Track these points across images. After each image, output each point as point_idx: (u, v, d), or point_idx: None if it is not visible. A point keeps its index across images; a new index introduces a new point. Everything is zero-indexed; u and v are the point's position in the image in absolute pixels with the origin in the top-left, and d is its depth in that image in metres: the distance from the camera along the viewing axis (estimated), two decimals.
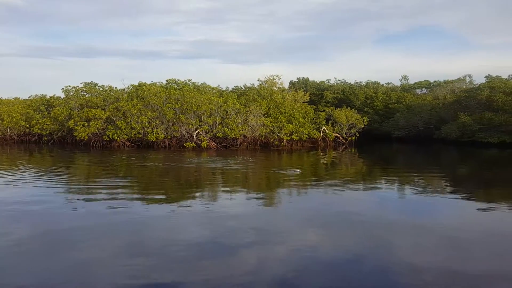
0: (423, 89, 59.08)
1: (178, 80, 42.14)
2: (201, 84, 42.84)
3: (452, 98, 44.47)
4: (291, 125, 34.54)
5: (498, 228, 9.30)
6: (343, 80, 58.22)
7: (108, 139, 33.04)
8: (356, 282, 6.13)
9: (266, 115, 35.08)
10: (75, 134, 33.76)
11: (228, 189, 14.50)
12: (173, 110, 33.02)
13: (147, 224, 9.41)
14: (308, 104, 41.74)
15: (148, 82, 40.18)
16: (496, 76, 45.11)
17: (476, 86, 44.10)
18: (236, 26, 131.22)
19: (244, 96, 39.29)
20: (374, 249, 7.68)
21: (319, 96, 52.81)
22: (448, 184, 15.70)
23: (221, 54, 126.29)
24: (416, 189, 14.69)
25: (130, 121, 32.86)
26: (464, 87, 48.70)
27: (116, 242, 8.02)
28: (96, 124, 33.20)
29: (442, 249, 7.68)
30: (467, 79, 52.04)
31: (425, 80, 60.26)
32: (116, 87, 40.96)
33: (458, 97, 42.31)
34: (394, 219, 10.19)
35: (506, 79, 43.72)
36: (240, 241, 8.05)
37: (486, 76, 45.75)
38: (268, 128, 33.93)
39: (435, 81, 58.13)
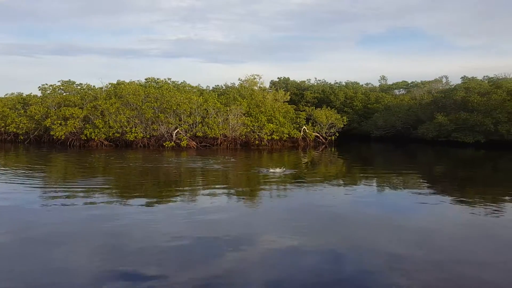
0: (401, 89, 60.04)
1: (158, 79, 41.75)
2: (181, 83, 42.57)
3: (429, 98, 45.33)
4: (271, 125, 34.63)
5: (474, 225, 9.59)
6: (323, 80, 58.71)
7: (85, 138, 32.50)
8: (337, 278, 6.20)
9: (246, 115, 35.08)
10: (52, 133, 33.09)
11: (208, 188, 14.45)
12: (152, 109, 32.71)
13: (126, 224, 9.30)
14: (288, 104, 41.91)
15: (128, 81, 39.67)
16: (472, 77, 46.21)
17: (452, 87, 45.03)
18: (217, 25, 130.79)
19: (224, 95, 39.21)
20: (353, 247, 7.80)
21: (299, 95, 53.10)
22: (425, 183, 16.02)
23: (202, 53, 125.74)
24: (394, 188, 14.94)
25: (108, 120, 32.40)
26: (440, 88, 49.69)
27: (94, 243, 7.90)
28: (74, 123, 32.61)
29: (419, 246, 7.85)
30: (444, 80, 53.16)
31: (403, 81, 61.28)
32: (94, 86, 40.38)
33: (435, 98, 43.15)
34: (373, 217, 10.36)
35: (481, 80, 44.80)
36: (221, 241, 8.03)
37: (462, 77, 46.86)
38: (248, 127, 33.94)
39: (412, 82, 59.17)
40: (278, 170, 17.46)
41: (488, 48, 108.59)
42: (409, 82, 60.20)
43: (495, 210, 11.30)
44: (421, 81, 56.69)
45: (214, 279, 6.18)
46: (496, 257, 7.36)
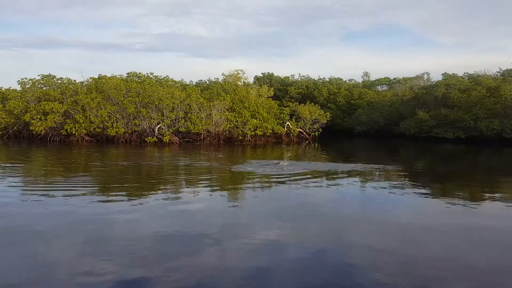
0: (384, 85, 60.69)
1: (140, 73, 41.23)
2: (164, 77, 42.11)
3: (411, 94, 45.94)
4: (255, 120, 34.61)
5: (455, 219, 9.71)
6: (307, 76, 58.93)
7: (66, 133, 31.96)
8: (320, 275, 6.19)
9: (230, 110, 34.97)
10: (31, 128, 32.42)
11: (191, 184, 14.36)
12: (134, 103, 32.32)
13: (108, 220, 9.14)
14: (272, 99, 41.97)
15: (110, 75, 39.09)
16: (452, 74, 46.92)
17: (433, 83, 45.67)
18: (202, 20, 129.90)
19: (208, 90, 39.01)
20: (336, 243, 7.83)
21: (283, 91, 53.19)
22: (406, 178, 16.20)
23: (186, 47, 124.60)
24: (376, 183, 15.05)
25: (89, 115, 31.91)
26: (422, 84, 50.36)
27: (75, 240, 7.72)
28: (54, 118, 32.01)
29: (400, 241, 7.93)
30: (425, 77, 53.90)
31: (385, 77, 61.95)
32: (74, 80, 39.68)
33: (416, 94, 43.74)
34: (355, 212, 10.42)
35: (461, 77, 45.52)
36: (205, 237, 7.95)
37: (442, 74, 47.53)
38: (232, 123, 33.84)
39: (394, 78, 59.85)
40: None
41: (469, 45, 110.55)
42: (392, 78, 60.91)
43: (474, 205, 11.50)
44: (403, 77, 57.41)
45: (198, 274, 6.13)
46: (476, 250, 7.48)
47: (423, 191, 13.81)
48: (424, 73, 54.28)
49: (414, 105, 41.49)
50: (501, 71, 46.60)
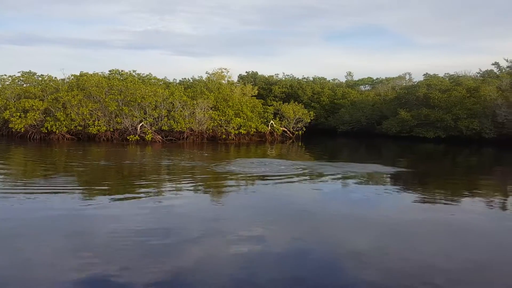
0: (367, 85, 61.31)
1: (122, 71, 40.71)
2: (146, 75, 41.67)
3: (393, 94, 46.50)
4: (239, 119, 34.54)
5: (434, 217, 9.88)
6: (291, 75, 59.10)
7: (46, 131, 31.34)
8: (303, 273, 6.22)
9: (213, 109, 34.82)
10: (10, 125, 31.67)
11: (173, 183, 14.25)
12: (116, 101, 31.90)
13: (89, 220, 8.98)
14: (256, 98, 41.92)
15: (92, 72, 38.50)
16: (433, 74, 47.64)
17: (415, 83, 46.33)
18: (186, 18, 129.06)
19: (191, 88, 38.75)
20: (320, 241, 7.86)
21: (267, 90, 53.22)
22: (388, 177, 16.37)
23: (170, 45, 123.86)
24: (359, 182, 15.18)
25: (70, 112, 31.37)
26: (404, 84, 51.04)
27: (56, 240, 7.57)
28: (34, 115, 31.35)
29: (383, 239, 8.01)
30: (407, 77, 54.65)
31: (368, 77, 62.56)
32: (55, 77, 38.93)
33: (398, 94, 44.30)
34: (338, 210, 10.51)
35: (442, 77, 46.27)
36: (187, 236, 7.89)
37: (424, 74, 48.19)
38: (215, 121, 33.70)
39: (377, 78, 60.48)
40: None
41: (450, 46, 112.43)
42: (374, 78, 61.53)
43: (454, 202, 11.72)
44: (385, 77, 58.06)
45: (180, 273, 6.09)
46: (456, 247, 7.60)
47: (405, 190, 13.99)
48: (406, 73, 55.08)
49: (396, 105, 42.01)
50: (481, 72, 47.56)
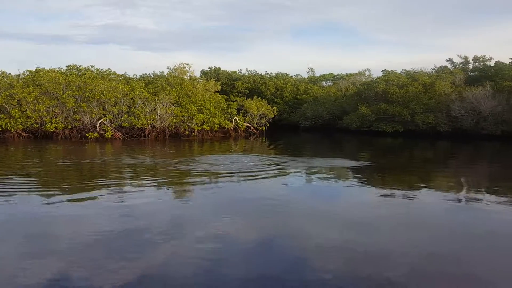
0: (328, 81, 62.38)
1: (80, 66, 39.36)
2: (106, 70, 40.48)
3: (353, 90, 47.57)
4: (202, 115, 34.28)
5: (394, 210, 10.22)
6: (254, 71, 59.11)
7: (0, 129, 29.89)
8: (270, 267, 6.27)
9: (176, 105, 34.38)
10: None
11: (136, 181, 13.93)
12: (74, 98, 30.86)
13: (49, 220, 8.66)
14: (220, 94, 41.73)
15: (49, 68, 36.96)
16: (392, 70, 49.12)
17: (374, 79, 47.57)
18: (149, 12, 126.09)
19: (152, 84, 38.04)
20: (286, 235, 7.94)
21: (231, 86, 53.06)
22: (350, 171, 16.75)
23: (131, 40, 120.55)
24: (323, 176, 15.45)
25: (26, 109, 30.09)
26: (364, 80, 52.29)
27: (16, 241, 7.30)
28: None
29: (347, 231, 8.22)
30: (367, 73, 56.04)
31: (329, 73, 63.67)
32: (10, 73, 37.10)
33: (358, 90, 45.37)
34: (302, 204, 10.67)
35: (399, 73, 47.75)
36: (152, 235, 7.75)
37: (382, 70, 49.60)
38: (178, 117, 33.29)
39: (338, 74, 61.68)
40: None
41: (407, 43, 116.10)
42: (336, 74, 62.70)
43: (412, 195, 12.15)
44: (346, 73, 59.30)
45: (145, 274, 5.98)
46: (412, 239, 7.90)
47: (366, 183, 14.39)
48: (366, 70, 56.46)
49: (356, 100, 43.01)
50: (436, 68, 49.43)
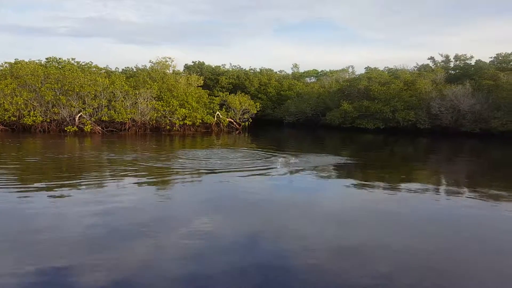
0: (312, 77, 62.58)
1: (60, 59, 38.61)
2: (86, 63, 39.79)
3: (336, 87, 47.81)
4: (184, 110, 33.97)
5: (375, 205, 10.29)
6: (238, 66, 58.93)
7: None
8: (253, 262, 6.25)
9: (157, 99, 34.00)
10: None
11: (116, 177, 13.68)
12: (53, 91, 30.23)
13: (28, 219, 8.37)
14: (202, 89, 41.43)
15: (28, 60, 36.13)
16: (374, 67, 49.54)
17: (357, 76, 47.91)
18: (132, 5, 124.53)
19: (134, 78, 37.54)
20: (268, 230, 7.93)
21: (214, 81, 52.76)
22: (332, 167, 16.80)
23: (115, 33, 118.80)
24: (306, 172, 15.44)
25: (3, 102, 29.43)
26: (347, 77, 52.61)
27: None
28: None
29: (329, 227, 8.26)
30: (350, 70, 56.39)
31: (313, 69, 63.87)
32: None
33: (341, 86, 45.61)
34: (285, 200, 10.69)
35: (382, 70, 48.21)
36: (134, 232, 7.61)
37: (365, 68, 50.03)
38: (159, 112, 32.94)
39: (322, 71, 61.93)
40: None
41: (390, 40, 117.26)
42: (319, 70, 62.93)
43: (391, 191, 12.29)
44: (329, 70, 59.56)
45: (128, 270, 5.87)
46: (388, 234, 7.97)
47: (348, 178, 14.47)
48: (349, 66, 56.82)
49: (339, 97, 43.24)
50: (417, 66, 50.08)
